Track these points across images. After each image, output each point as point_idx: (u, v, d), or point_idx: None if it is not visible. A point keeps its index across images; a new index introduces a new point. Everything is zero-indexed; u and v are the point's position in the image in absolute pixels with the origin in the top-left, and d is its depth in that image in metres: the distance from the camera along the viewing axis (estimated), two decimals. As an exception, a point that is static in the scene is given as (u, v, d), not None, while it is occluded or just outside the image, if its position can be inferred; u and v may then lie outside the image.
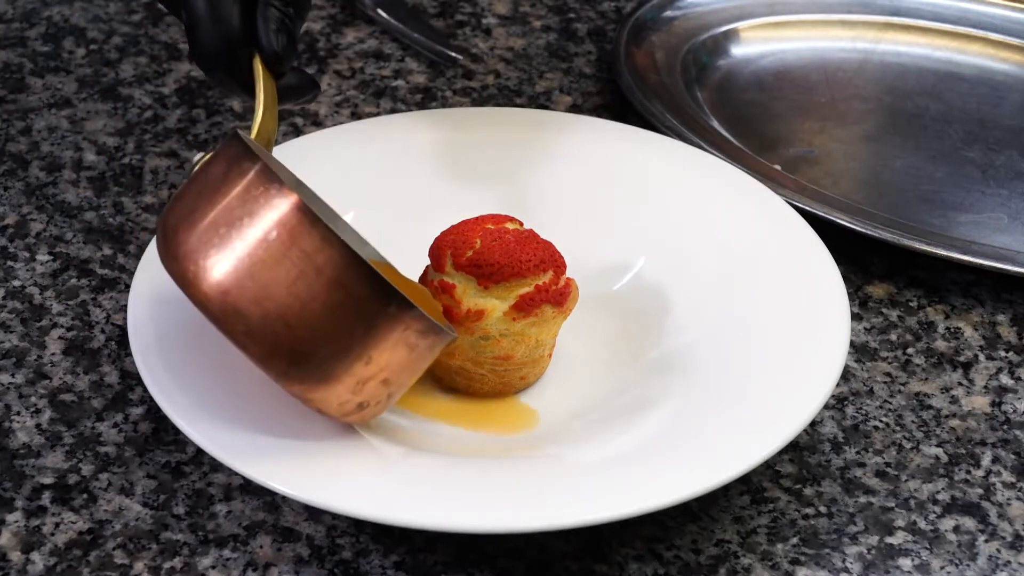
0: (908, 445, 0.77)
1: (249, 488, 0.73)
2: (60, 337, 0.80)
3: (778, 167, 0.84)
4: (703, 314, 0.78)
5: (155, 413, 0.76)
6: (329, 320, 0.66)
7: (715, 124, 0.92)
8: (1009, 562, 0.72)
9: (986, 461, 0.77)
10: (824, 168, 0.92)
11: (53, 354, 0.79)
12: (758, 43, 1.01)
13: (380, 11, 1.02)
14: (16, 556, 0.70)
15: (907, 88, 0.99)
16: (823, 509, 0.74)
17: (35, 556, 0.70)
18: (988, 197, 0.91)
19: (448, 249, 0.74)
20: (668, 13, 1.01)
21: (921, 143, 0.95)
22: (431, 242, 0.75)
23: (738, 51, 1.00)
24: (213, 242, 0.66)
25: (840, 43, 1.02)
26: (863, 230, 0.84)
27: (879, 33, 1.02)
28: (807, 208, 0.84)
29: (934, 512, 0.74)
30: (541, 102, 0.97)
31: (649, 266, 0.81)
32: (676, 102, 0.93)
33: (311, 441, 0.70)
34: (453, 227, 0.75)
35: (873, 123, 0.96)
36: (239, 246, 0.66)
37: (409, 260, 0.79)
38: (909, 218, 0.87)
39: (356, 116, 0.96)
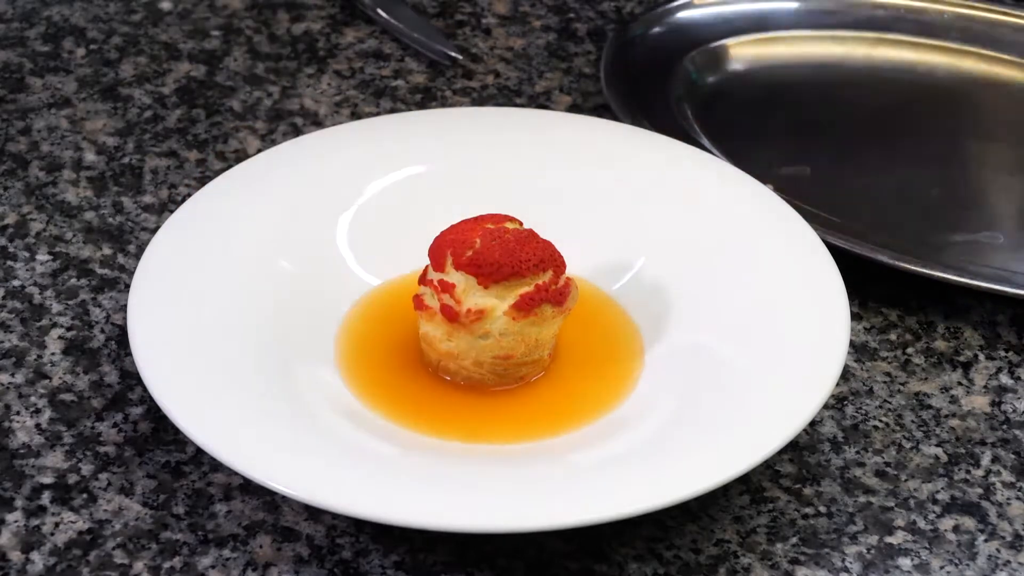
0: (908, 445, 0.77)
1: (249, 488, 0.73)
2: (60, 337, 0.80)
3: (770, 187, 0.83)
4: (703, 314, 0.78)
5: (155, 413, 0.76)
6: None
7: (705, 142, 0.91)
8: (1009, 562, 0.72)
9: (986, 461, 0.77)
10: (818, 186, 0.91)
11: (53, 354, 0.79)
12: (748, 59, 1.00)
13: (380, 11, 1.02)
14: (16, 556, 0.70)
15: (900, 104, 0.98)
16: (823, 509, 0.74)
17: (35, 556, 0.70)
18: (984, 216, 0.90)
19: (448, 249, 0.74)
20: (656, 30, 1.00)
21: (916, 161, 0.94)
22: (431, 242, 0.75)
23: (728, 67, 1.00)
24: None
25: (831, 59, 1.01)
26: (860, 252, 0.83)
27: (870, 49, 1.02)
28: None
29: (934, 512, 0.74)
30: (541, 102, 0.97)
31: (649, 266, 0.81)
32: (665, 120, 0.92)
33: (311, 441, 0.70)
34: (453, 227, 0.75)
35: (867, 140, 0.95)
36: None
37: (409, 259, 0.79)
38: (905, 237, 0.87)
39: (356, 116, 0.96)
